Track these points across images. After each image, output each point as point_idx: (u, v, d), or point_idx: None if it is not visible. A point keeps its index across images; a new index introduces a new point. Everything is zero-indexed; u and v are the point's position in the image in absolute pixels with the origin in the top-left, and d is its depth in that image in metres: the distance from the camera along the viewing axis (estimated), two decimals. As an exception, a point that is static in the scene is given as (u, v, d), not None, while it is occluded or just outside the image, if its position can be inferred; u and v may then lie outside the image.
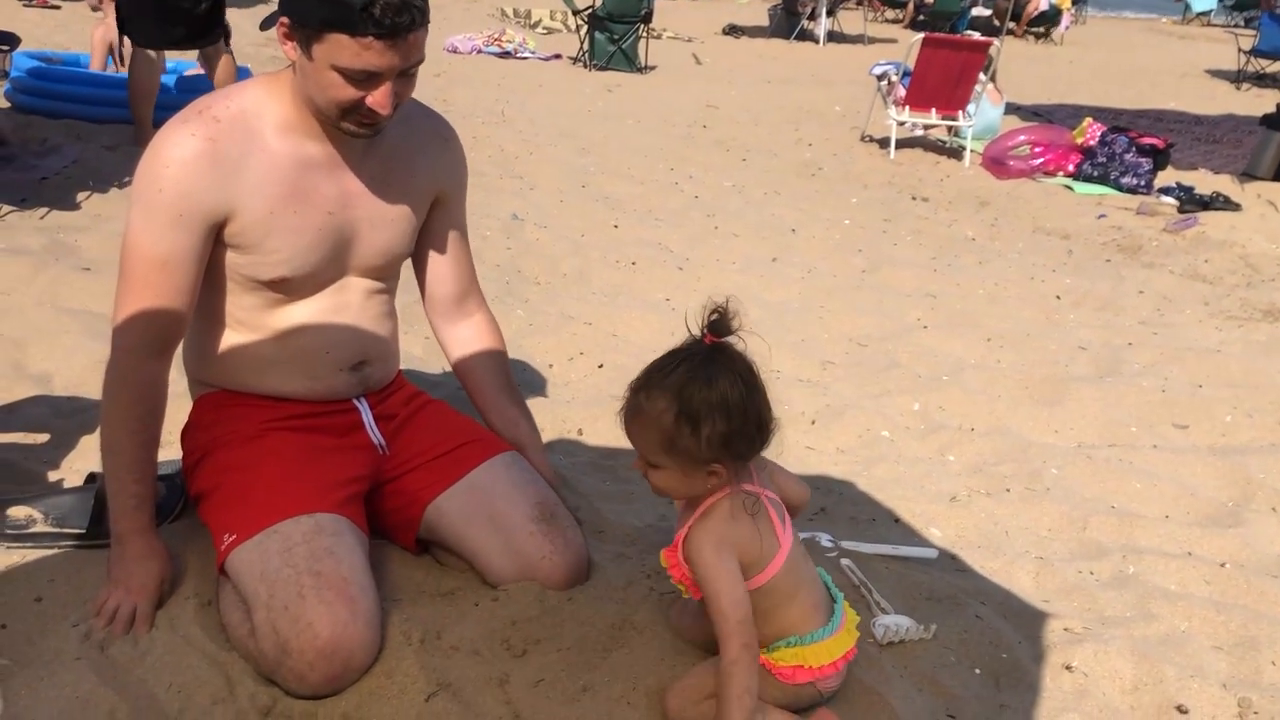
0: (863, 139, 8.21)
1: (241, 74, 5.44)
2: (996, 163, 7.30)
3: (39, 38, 8.53)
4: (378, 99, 1.75)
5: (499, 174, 6.02)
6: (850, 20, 17.80)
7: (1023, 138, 7.40)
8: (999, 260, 5.28)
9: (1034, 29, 19.03)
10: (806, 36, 16.67)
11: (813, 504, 2.49)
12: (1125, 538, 2.60)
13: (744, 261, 4.81)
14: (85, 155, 5.23)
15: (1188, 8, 26.33)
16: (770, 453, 1.65)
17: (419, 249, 2.17)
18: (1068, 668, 1.99)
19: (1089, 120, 7.54)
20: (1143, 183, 6.85)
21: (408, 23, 1.69)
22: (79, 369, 2.88)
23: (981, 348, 3.93)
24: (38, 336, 3.06)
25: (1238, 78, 14.32)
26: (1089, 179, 7.04)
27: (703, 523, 1.60)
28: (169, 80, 5.81)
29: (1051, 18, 18.97)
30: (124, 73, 6.42)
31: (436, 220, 2.14)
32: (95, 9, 7.04)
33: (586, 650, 1.81)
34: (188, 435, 2.05)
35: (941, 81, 7.67)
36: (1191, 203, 6.39)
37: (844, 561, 2.22)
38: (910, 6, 19.85)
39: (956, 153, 7.79)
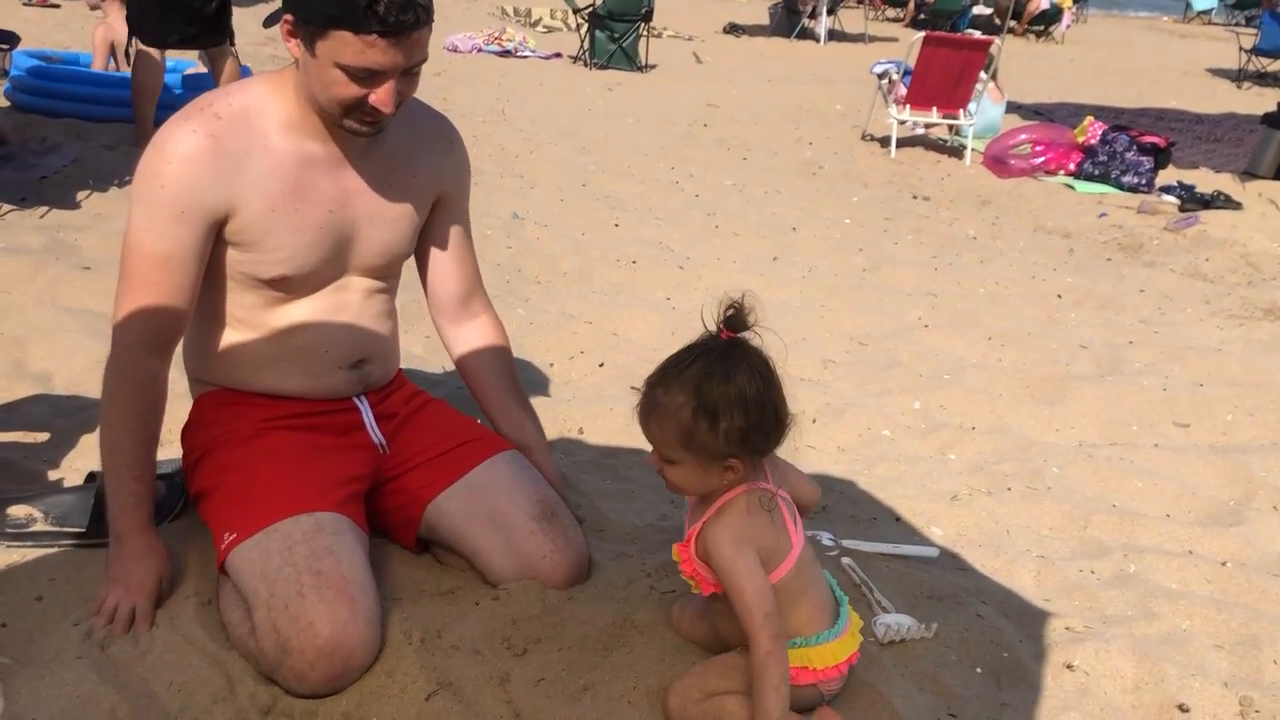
0: (863, 138, 8.21)
1: (243, 74, 5.44)
2: (997, 161, 7.29)
3: (39, 37, 8.53)
4: (380, 97, 1.75)
5: (499, 173, 6.02)
6: (851, 19, 17.79)
7: (1024, 136, 7.40)
8: (1000, 259, 5.27)
9: (1035, 27, 19.03)
10: (807, 35, 16.67)
11: (814, 503, 2.49)
12: (1126, 536, 2.60)
13: (744, 260, 4.81)
14: (85, 154, 5.23)
15: (1189, 6, 26.33)
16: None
17: (423, 250, 2.16)
18: (1069, 666, 1.99)
19: (1090, 119, 7.53)
20: (1144, 181, 6.85)
21: (412, 21, 1.68)
22: (79, 368, 2.88)
23: (982, 346, 3.93)
24: (38, 335, 3.06)
25: (1239, 76, 14.31)
26: (1090, 178, 7.04)
27: (719, 519, 1.60)
28: (173, 80, 5.81)
29: (1052, 16, 18.97)
30: (124, 72, 6.44)
31: (439, 221, 2.14)
32: (94, 8, 7.03)
33: (587, 649, 1.81)
34: (188, 434, 2.05)
35: (942, 80, 7.66)
36: (1192, 201, 6.39)
37: (845, 560, 2.22)
38: (911, 5, 19.85)
39: (957, 151, 7.78)
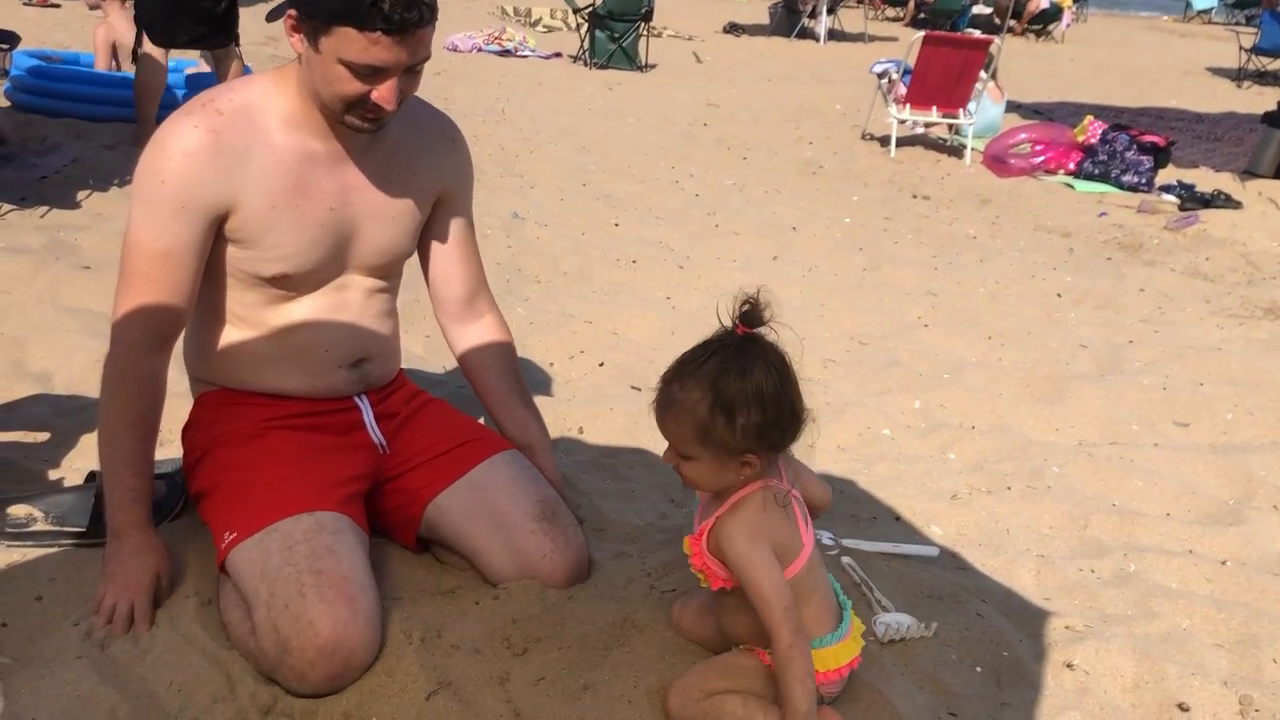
0: (863, 137, 8.20)
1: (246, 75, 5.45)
2: (997, 161, 7.29)
3: (39, 36, 8.53)
4: (383, 94, 1.74)
5: (499, 172, 6.02)
6: (851, 18, 17.79)
7: (1024, 136, 7.40)
8: (1000, 258, 5.27)
9: (1035, 27, 19.03)
10: (807, 34, 16.67)
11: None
12: (1126, 536, 2.60)
13: (745, 260, 4.81)
14: (85, 154, 5.23)
15: (1189, 6, 26.34)
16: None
17: (426, 250, 2.16)
18: (1069, 666, 1.99)
19: (1090, 118, 7.54)
20: (1144, 181, 6.85)
21: (416, 19, 1.68)
22: (79, 368, 2.88)
23: (982, 346, 3.93)
24: (38, 335, 3.06)
25: (1239, 75, 14.31)
26: (1090, 177, 7.04)
27: (735, 514, 1.59)
28: (176, 79, 5.81)
29: (1052, 15, 18.97)
30: (125, 72, 6.44)
31: (442, 220, 2.13)
32: (94, 8, 7.03)
33: (587, 649, 1.81)
34: (188, 433, 2.05)
35: (942, 79, 7.66)
36: (1192, 201, 6.39)
37: (845, 559, 2.22)
38: (911, 4, 19.85)
39: (957, 151, 7.78)
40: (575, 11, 12.39)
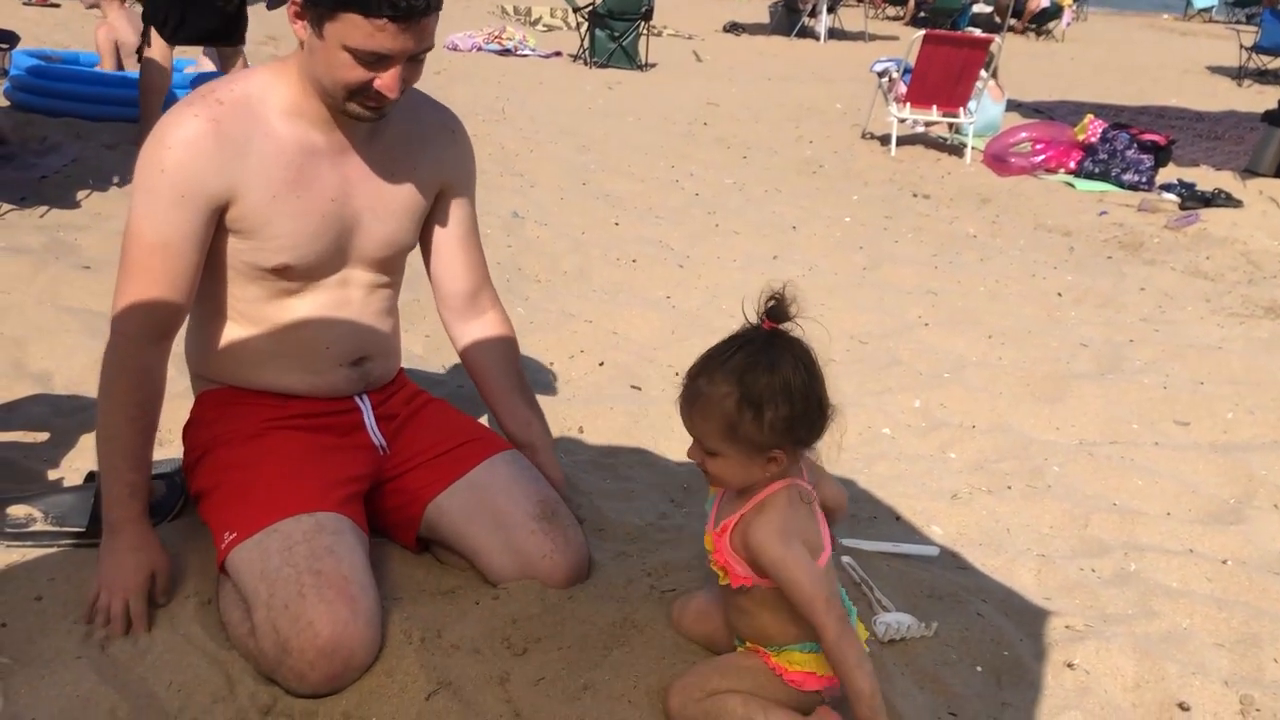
0: (864, 136, 8.20)
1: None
2: (998, 160, 7.29)
3: (39, 36, 8.54)
4: (386, 82, 1.74)
5: (499, 171, 6.02)
6: (851, 17, 17.79)
7: (1024, 134, 7.40)
8: (1000, 257, 5.27)
9: (1035, 25, 19.02)
10: (807, 34, 16.67)
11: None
12: (1127, 535, 2.60)
13: (745, 259, 4.81)
14: (85, 154, 5.23)
15: (1189, 4, 26.34)
16: None
17: (428, 244, 2.16)
18: (1069, 665, 1.99)
19: (1090, 117, 7.54)
20: (1144, 179, 6.84)
21: (422, 6, 1.68)
22: (79, 368, 2.88)
23: (983, 345, 3.92)
24: (38, 335, 3.06)
25: (1239, 74, 14.31)
26: (1090, 176, 7.04)
27: (762, 514, 1.58)
28: (180, 79, 5.81)
29: (1053, 14, 18.97)
30: (125, 72, 6.44)
31: (444, 214, 2.13)
32: (92, 7, 7.02)
33: (587, 648, 1.81)
34: (189, 432, 2.05)
35: (943, 78, 7.66)
36: (1193, 199, 6.39)
37: (845, 559, 2.21)
38: (911, 3, 19.85)
39: (958, 150, 7.78)
40: (575, 10, 12.39)
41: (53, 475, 2.35)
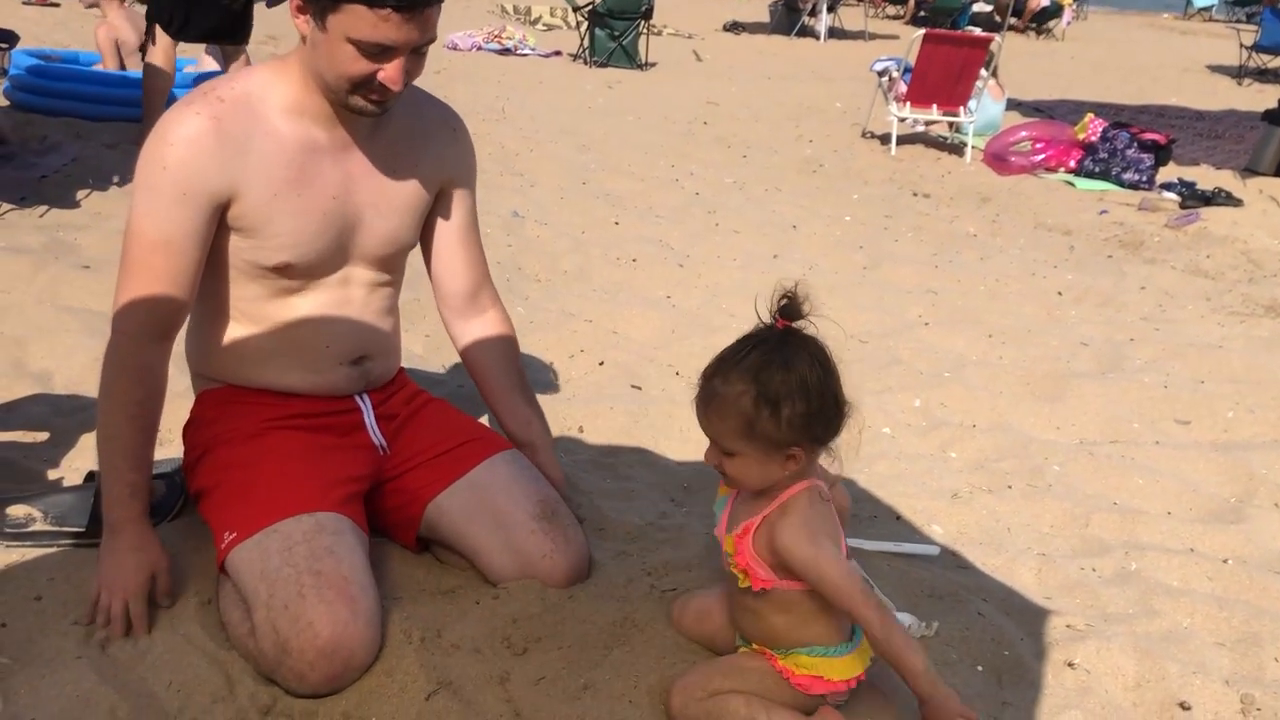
0: (864, 135, 8.20)
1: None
2: (998, 159, 7.29)
3: (38, 35, 8.53)
4: (390, 74, 1.74)
5: (499, 171, 6.02)
6: (851, 16, 17.79)
7: (1024, 134, 7.40)
8: (1000, 256, 5.27)
9: (1035, 24, 19.02)
10: (807, 33, 16.67)
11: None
12: (1127, 534, 2.60)
13: (745, 258, 4.81)
14: (85, 153, 5.23)
15: (1189, 3, 26.34)
16: None
17: (429, 242, 2.16)
18: (1070, 665, 1.99)
19: (1090, 116, 7.54)
20: (1144, 178, 6.84)
21: None
22: (79, 367, 2.88)
23: (983, 344, 3.92)
24: (37, 335, 3.06)
25: (1239, 73, 14.31)
26: (1090, 175, 7.04)
27: (787, 517, 1.57)
28: (183, 78, 5.81)
29: (1053, 13, 18.97)
30: (125, 71, 6.43)
31: (445, 211, 2.13)
32: (91, 6, 7.01)
33: (587, 648, 1.81)
34: (189, 431, 2.05)
35: (943, 77, 7.66)
36: (1193, 198, 6.38)
37: (845, 559, 2.21)
38: (911, 3, 19.86)
39: (958, 149, 7.78)
40: (575, 10, 12.39)
41: (52, 475, 2.35)
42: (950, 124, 8.16)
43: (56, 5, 11.02)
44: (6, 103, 6.08)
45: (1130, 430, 3.23)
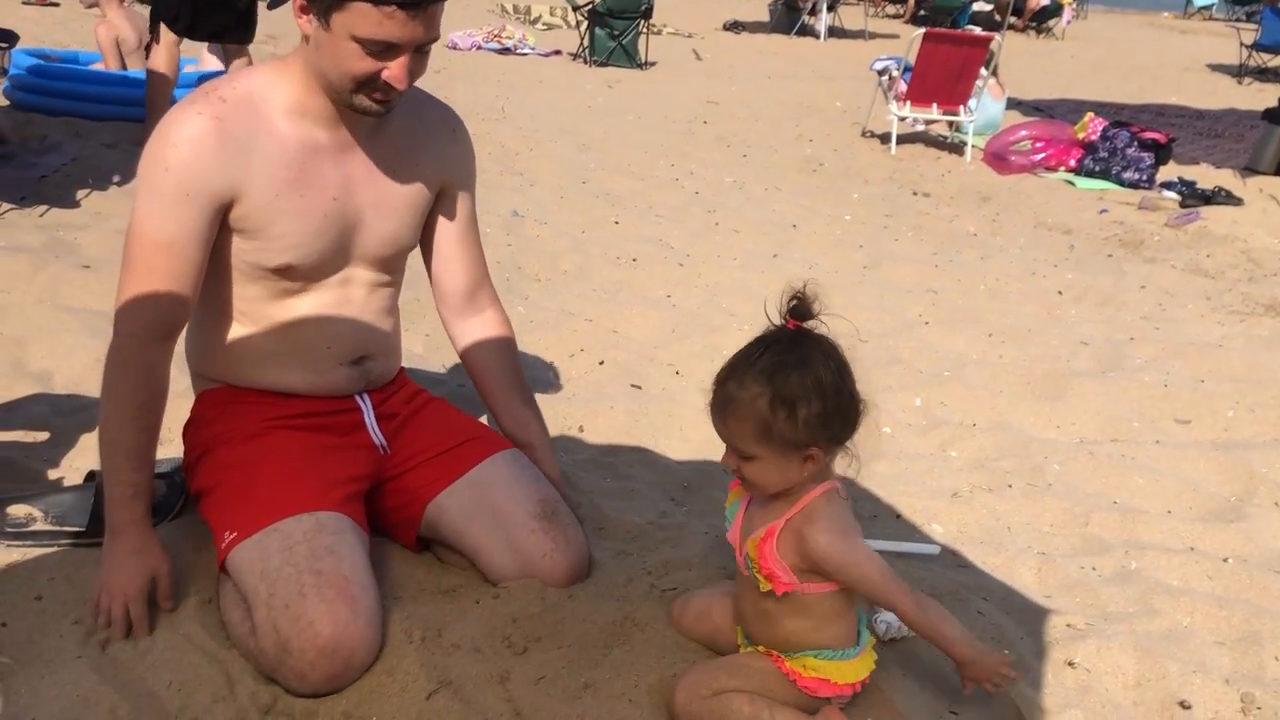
0: (864, 134, 8.20)
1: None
2: (998, 158, 7.29)
3: (38, 35, 8.53)
4: (394, 72, 1.74)
5: (499, 170, 6.02)
6: (851, 15, 17.79)
7: (1024, 133, 7.40)
8: (1000, 255, 5.27)
9: (1035, 24, 19.02)
10: (807, 32, 16.67)
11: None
12: (1127, 533, 2.60)
13: (745, 258, 4.81)
14: (85, 153, 5.23)
15: (1189, 2, 26.34)
16: None
17: (428, 242, 2.16)
18: (1070, 664, 1.99)
19: (1090, 115, 7.53)
20: (1144, 177, 6.84)
21: None
22: (79, 367, 2.88)
23: (983, 343, 3.92)
24: (38, 334, 3.06)
25: (1239, 72, 14.31)
26: (1090, 174, 7.04)
27: (814, 520, 1.57)
28: (188, 77, 5.81)
29: (1053, 12, 18.97)
30: (126, 71, 6.43)
31: (445, 212, 2.13)
32: (91, 5, 7.01)
33: (588, 647, 1.81)
34: (189, 431, 2.04)
35: (943, 77, 7.66)
36: (1193, 197, 6.38)
37: (846, 558, 2.21)
38: (911, 2, 19.86)
39: (958, 148, 7.78)
40: (575, 9, 12.39)
41: (53, 475, 2.35)
42: (950, 123, 8.16)
43: (56, 5, 11.02)
44: (6, 102, 6.08)
45: (1130, 429, 3.24)
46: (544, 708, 1.66)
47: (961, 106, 7.82)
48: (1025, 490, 2.77)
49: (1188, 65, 15.40)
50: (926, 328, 4.06)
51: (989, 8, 17.16)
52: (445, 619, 1.84)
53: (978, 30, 9.94)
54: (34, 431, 2.54)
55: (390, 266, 2.05)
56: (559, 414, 2.94)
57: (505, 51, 12.02)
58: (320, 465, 1.91)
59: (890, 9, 21.19)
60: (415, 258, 2.18)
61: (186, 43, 5.27)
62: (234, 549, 1.77)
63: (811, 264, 4.81)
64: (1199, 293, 4.81)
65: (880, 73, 8.18)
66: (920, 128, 8.24)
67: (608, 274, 4.40)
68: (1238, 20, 21.34)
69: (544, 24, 15.55)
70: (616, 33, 11.67)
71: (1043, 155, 7.19)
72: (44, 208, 4.35)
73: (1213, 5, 25.58)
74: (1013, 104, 9.14)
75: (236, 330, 1.95)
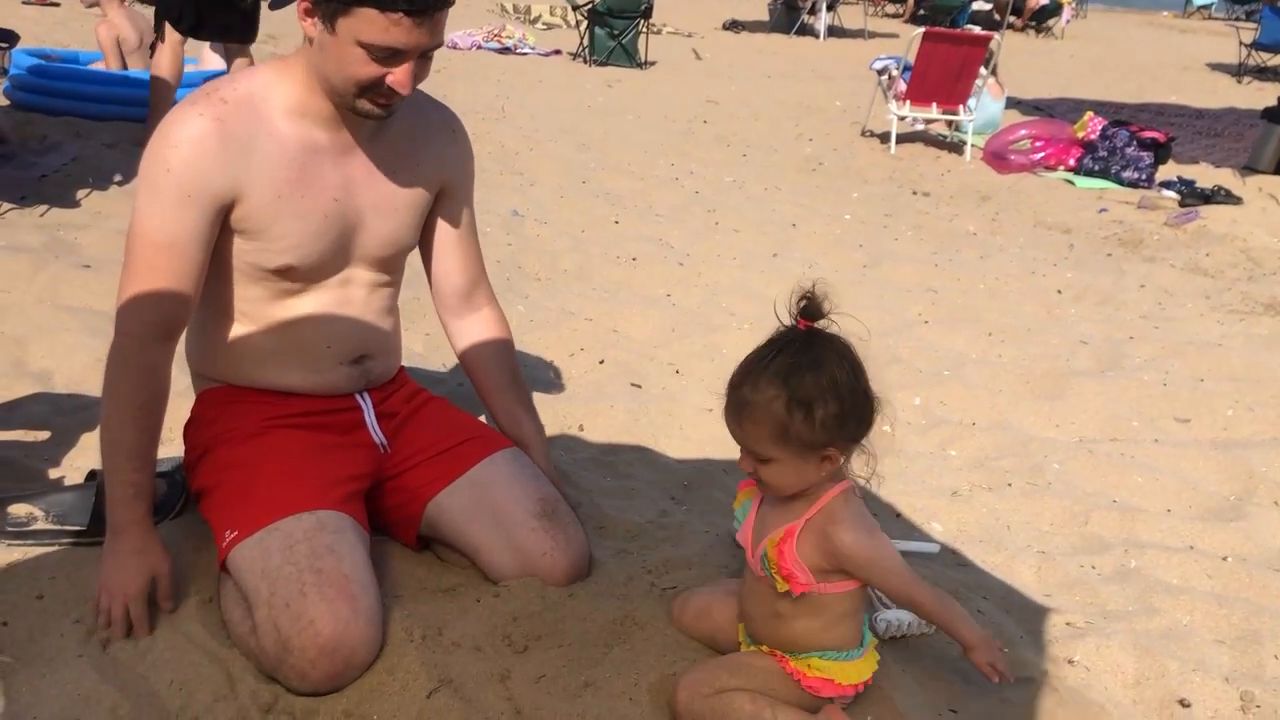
0: (863, 134, 8.20)
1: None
2: (997, 157, 7.29)
3: (38, 35, 8.53)
4: (399, 78, 1.74)
5: (499, 170, 6.02)
6: (850, 15, 17.79)
7: (1024, 132, 7.40)
8: (1000, 255, 5.27)
9: (1034, 23, 19.02)
10: (807, 31, 16.67)
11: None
12: (1127, 532, 2.60)
13: (745, 257, 4.81)
14: (85, 153, 5.22)
15: (1188, 1, 26.33)
16: None
17: (427, 242, 2.16)
18: (1070, 662, 1.99)
19: (1090, 114, 7.53)
20: (1144, 177, 6.84)
21: (438, 1, 1.69)
22: (79, 366, 2.88)
23: (982, 342, 3.93)
24: (38, 334, 3.06)
25: (1239, 71, 14.31)
26: (1090, 173, 7.04)
27: (837, 520, 1.57)
28: (192, 76, 5.81)
29: (1052, 11, 18.97)
30: (126, 70, 6.43)
31: (443, 212, 2.13)
32: (91, 5, 7.01)
33: (588, 646, 1.81)
34: (190, 431, 2.05)
35: (942, 76, 7.66)
36: (1193, 196, 6.39)
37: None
38: (910, 1, 19.84)
39: (957, 147, 7.78)
40: (575, 9, 12.39)
41: (53, 474, 2.35)
42: (950, 122, 8.16)
43: (56, 5, 11.02)
44: (6, 102, 6.08)
45: (1130, 428, 3.24)
46: (544, 706, 1.66)
47: (961, 106, 7.82)
48: (1025, 489, 2.78)
49: (1187, 64, 15.40)
50: (926, 327, 4.06)
51: (988, 7, 17.15)
52: (446, 617, 1.84)
53: (977, 29, 9.93)
54: (35, 431, 2.54)
55: (390, 266, 2.05)
56: (559, 413, 2.94)
57: (505, 51, 12.02)
58: (320, 464, 1.91)
59: (890, 8, 21.19)
60: (415, 257, 2.18)
61: (189, 42, 5.27)
62: (235, 548, 1.78)
63: (811, 263, 4.81)
64: (1198, 292, 4.82)
65: (880, 72, 8.18)
66: (920, 127, 8.24)
67: (608, 273, 4.40)
68: (1237, 19, 21.35)
69: (544, 23, 15.55)
70: (616, 32, 11.67)
71: (1042, 154, 7.19)
72: (44, 207, 4.35)
73: (1212, 4, 25.59)
74: (1012, 103, 9.15)
75: (237, 330, 1.96)
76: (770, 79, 11.46)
